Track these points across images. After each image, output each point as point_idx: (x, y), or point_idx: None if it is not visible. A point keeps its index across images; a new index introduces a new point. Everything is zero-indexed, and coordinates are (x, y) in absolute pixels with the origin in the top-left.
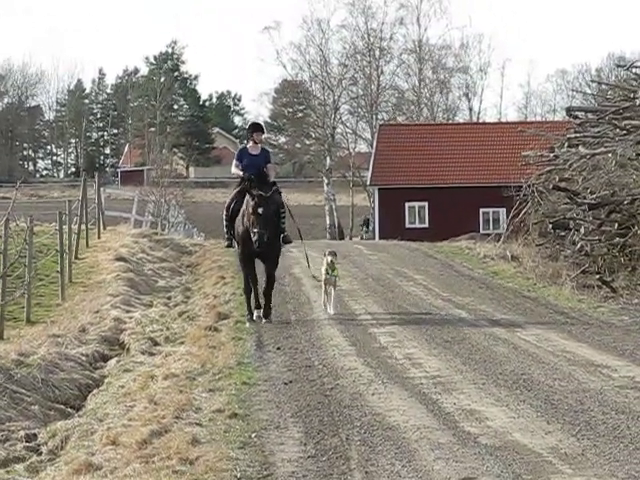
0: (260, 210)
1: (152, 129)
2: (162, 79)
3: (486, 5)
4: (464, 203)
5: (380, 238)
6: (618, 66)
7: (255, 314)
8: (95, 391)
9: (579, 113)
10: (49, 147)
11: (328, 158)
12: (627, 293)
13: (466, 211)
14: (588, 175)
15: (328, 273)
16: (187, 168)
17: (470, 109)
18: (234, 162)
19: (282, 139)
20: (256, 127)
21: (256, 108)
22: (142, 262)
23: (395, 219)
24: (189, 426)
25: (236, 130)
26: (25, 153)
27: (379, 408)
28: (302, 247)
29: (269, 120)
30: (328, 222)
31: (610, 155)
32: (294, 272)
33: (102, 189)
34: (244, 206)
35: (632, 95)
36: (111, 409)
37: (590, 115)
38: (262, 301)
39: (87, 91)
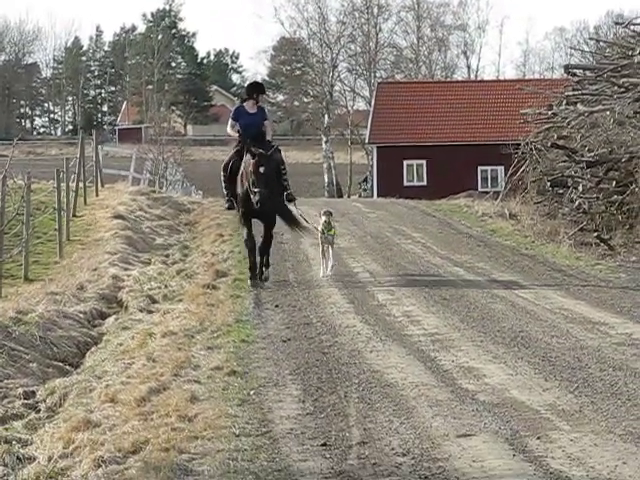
0: (262, 169)
1: (150, 87)
2: (160, 36)
3: None
4: (462, 161)
5: (378, 196)
6: (616, 23)
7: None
8: (93, 349)
9: (577, 71)
10: (46, 105)
11: (326, 116)
12: (624, 251)
13: (464, 169)
14: (586, 133)
15: (324, 233)
16: (185, 126)
17: (468, 67)
18: (230, 122)
19: (280, 97)
20: (258, 88)
21: (254, 66)
22: (140, 220)
23: (393, 177)
24: (187, 383)
25: (234, 88)
26: (22, 111)
27: (377, 365)
28: (300, 205)
29: (267, 78)
30: (326, 180)
31: (608, 113)
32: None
33: (100, 147)
34: (243, 165)
35: (630, 53)
36: (109, 367)
37: (588, 73)
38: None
39: (84, 48)
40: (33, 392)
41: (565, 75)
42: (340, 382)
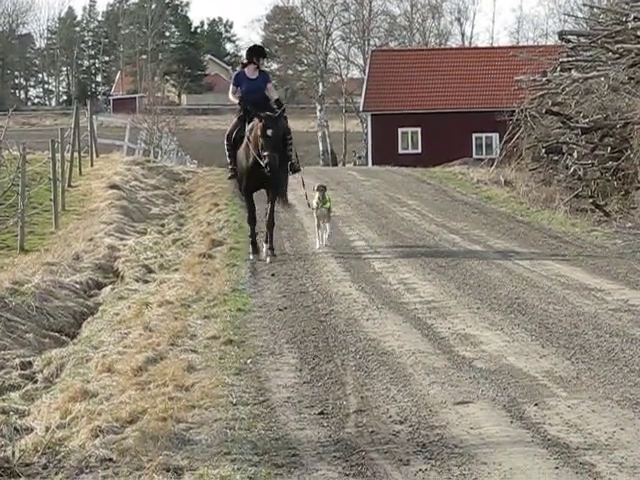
0: (269, 132)
1: (144, 56)
2: (153, 6)
3: None
4: (457, 128)
5: (373, 164)
6: None
7: (264, 251)
8: (90, 319)
9: (571, 37)
10: (40, 75)
11: (320, 84)
12: (620, 217)
13: (459, 136)
14: (581, 99)
15: (318, 207)
16: (179, 95)
17: (462, 34)
18: (231, 87)
19: (274, 66)
20: (259, 51)
21: (248, 35)
22: (135, 190)
23: (388, 145)
24: (184, 353)
25: (228, 57)
26: (16, 81)
27: (374, 333)
28: (296, 175)
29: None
30: (321, 149)
31: (603, 79)
32: (288, 199)
33: (94, 117)
34: (248, 132)
35: (624, 19)
36: (106, 337)
37: (582, 39)
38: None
39: (78, 19)
40: (30, 363)
41: (559, 41)
42: (337, 350)
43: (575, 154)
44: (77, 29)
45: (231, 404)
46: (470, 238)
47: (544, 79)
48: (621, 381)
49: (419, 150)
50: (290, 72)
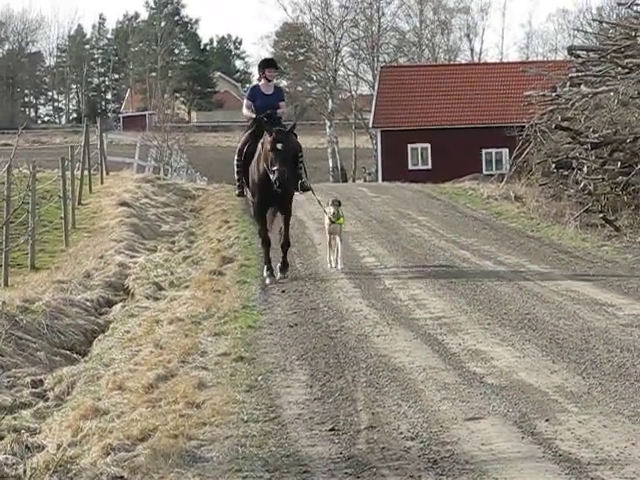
0: (279, 146)
1: (153, 74)
2: (162, 23)
3: None
4: (467, 144)
5: (383, 180)
6: (619, 4)
7: (269, 272)
8: (100, 336)
9: (581, 52)
10: (50, 93)
11: (330, 101)
12: (630, 232)
13: (469, 152)
14: (590, 114)
15: (332, 222)
16: (189, 112)
17: (471, 50)
18: (245, 102)
19: (284, 82)
20: (268, 63)
21: (257, 51)
22: (145, 207)
23: (398, 161)
24: (195, 370)
25: (237, 74)
26: (26, 100)
27: (385, 349)
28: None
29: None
30: (331, 165)
31: (612, 94)
32: (298, 215)
33: (104, 134)
34: (259, 147)
35: (633, 33)
36: (117, 354)
37: (592, 54)
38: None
39: (88, 36)
40: (41, 381)
41: (568, 57)
42: (348, 367)
43: (585, 169)
44: (87, 47)
45: (242, 421)
46: (480, 254)
47: (554, 94)
48: (632, 396)
49: (429, 166)
50: (300, 89)
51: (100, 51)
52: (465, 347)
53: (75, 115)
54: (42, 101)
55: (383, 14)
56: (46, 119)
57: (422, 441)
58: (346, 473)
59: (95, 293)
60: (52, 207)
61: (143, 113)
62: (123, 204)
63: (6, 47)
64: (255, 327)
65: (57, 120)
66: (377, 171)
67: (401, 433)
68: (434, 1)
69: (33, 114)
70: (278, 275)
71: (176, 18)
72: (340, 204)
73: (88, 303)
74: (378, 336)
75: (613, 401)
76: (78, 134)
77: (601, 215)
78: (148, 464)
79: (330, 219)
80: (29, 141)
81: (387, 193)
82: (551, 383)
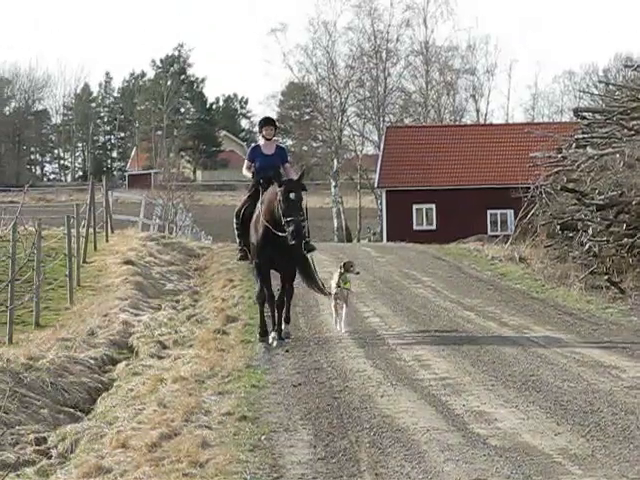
0: (292, 195)
1: (159, 132)
2: (169, 82)
3: (492, 6)
4: (472, 205)
5: (388, 240)
6: (625, 66)
7: (272, 336)
8: (104, 394)
9: (586, 114)
10: (56, 151)
11: (335, 160)
12: (635, 294)
13: (474, 213)
14: (596, 176)
15: (339, 286)
16: (194, 171)
17: (477, 110)
18: (245, 162)
19: (289, 142)
20: (266, 121)
21: (263, 111)
22: (150, 265)
23: (403, 221)
24: (199, 429)
25: (243, 133)
26: (32, 157)
27: (388, 410)
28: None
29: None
30: (336, 225)
31: (618, 155)
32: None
33: (110, 192)
34: (258, 207)
35: (639, 95)
36: (120, 412)
37: (598, 116)
38: (276, 317)
39: (94, 95)
40: (44, 438)
41: (574, 118)
42: (351, 427)
43: (590, 231)
44: (93, 105)
45: None
46: (485, 315)
47: (559, 156)
48: (637, 459)
49: (434, 226)
50: (305, 148)
51: (106, 109)
52: (469, 408)
53: (81, 173)
54: (48, 159)
55: (389, 74)
56: (52, 177)
57: None
58: None
59: (99, 351)
60: (57, 265)
61: (148, 171)
62: (128, 262)
63: (13, 105)
64: (259, 386)
65: (63, 178)
66: (382, 231)
67: None
68: (440, 62)
69: (39, 172)
70: (274, 341)
71: (182, 77)
72: (352, 266)
73: (92, 361)
74: (382, 396)
75: (617, 464)
76: (84, 192)
77: (606, 277)
78: None
79: (338, 283)
80: (35, 199)
81: (392, 253)
82: (555, 445)
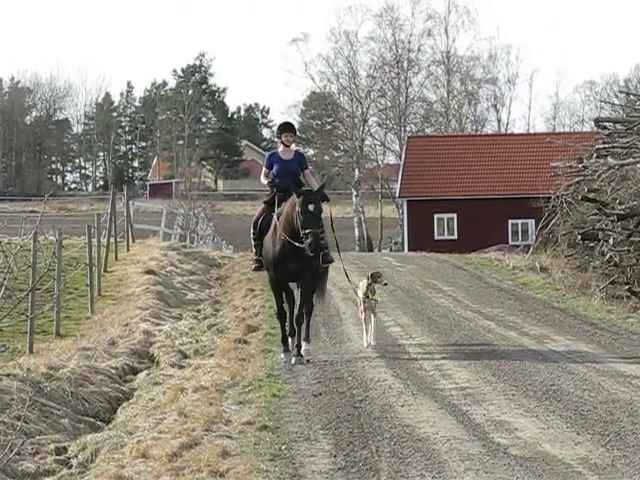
0: (311, 207)
1: (180, 142)
2: (190, 92)
3: (514, 16)
4: (493, 214)
5: (409, 250)
6: None
7: (292, 353)
8: (125, 404)
9: (607, 124)
10: (77, 160)
11: (357, 170)
12: None
13: (495, 222)
14: (617, 186)
15: (368, 297)
16: (215, 181)
17: (498, 120)
18: (263, 170)
19: (311, 151)
20: (285, 127)
21: (284, 120)
22: (171, 275)
23: (424, 231)
24: (219, 438)
25: (264, 142)
26: (53, 167)
27: (409, 420)
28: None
29: (298, 133)
30: (357, 234)
31: (639, 165)
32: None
33: (131, 202)
34: (275, 218)
35: None
36: (141, 422)
37: (619, 126)
38: (294, 335)
39: (115, 104)
40: (65, 448)
41: (595, 128)
42: (372, 436)
43: (611, 240)
44: (114, 114)
45: None
46: (505, 324)
47: (580, 166)
48: None
49: (455, 236)
50: (326, 158)
51: (127, 119)
52: (489, 418)
53: (102, 182)
54: (69, 168)
55: (410, 84)
56: (73, 186)
57: None
58: None
59: (120, 361)
60: (78, 274)
61: (170, 181)
62: (149, 272)
63: (34, 114)
64: (279, 396)
65: (84, 187)
66: (403, 241)
67: None
68: (461, 72)
69: (60, 181)
70: (292, 358)
71: (204, 86)
72: (380, 277)
73: (113, 370)
74: (402, 406)
75: (637, 473)
76: (105, 201)
77: (627, 287)
78: None
79: (366, 294)
80: (55, 208)
81: (413, 263)
82: (575, 455)
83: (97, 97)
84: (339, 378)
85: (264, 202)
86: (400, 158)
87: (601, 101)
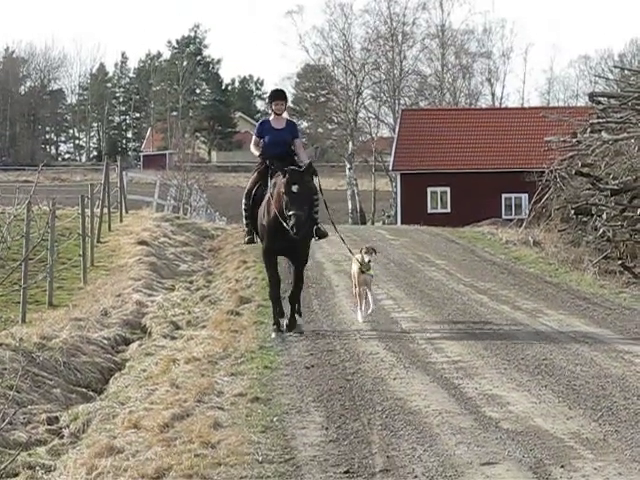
0: (295, 188)
1: (174, 113)
2: (184, 63)
3: None
4: (486, 188)
5: (402, 223)
6: None
7: (283, 322)
8: (117, 374)
9: (602, 99)
10: (71, 131)
11: (350, 143)
12: None
13: (488, 196)
14: (611, 161)
15: (363, 272)
16: (209, 152)
17: (492, 94)
18: (253, 138)
19: (304, 124)
20: (276, 95)
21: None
22: (164, 246)
23: (417, 204)
24: (211, 410)
25: (258, 114)
26: (47, 137)
27: (401, 393)
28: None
29: (291, 105)
30: (350, 207)
31: (633, 140)
32: (316, 257)
33: (124, 173)
34: (269, 190)
35: None
36: (133, 392)
37: (613, 101)
38: (287, 309)
39: (109, 75)
40: (57, 418)
41: (589, 103)
42: (363, 409)
43: (604, 215)
44: (108, 85)
45: (257, 462)
46: (498, 298)
47: (574, 140)
48: None
49: (448, 210)
50: (320, 130)
51: (122, 89)
52: (481, 392)
53: (95, 153)
54: (63, 138)
55: (405, 57)
56: (66, 156)
57: None
58: None
59: (112, 331)
60: (71, 245)
61: (163, 152)
62: (142, 243)
63: (28, 84)
64: (271, 368)
65: (77, 158)
66: (396, 214)
67: (416, 477)
68: (456, 45)
69: (54, 151)
70: (285, 330)
71: (198, 58)
72: (375, 252)
73: (105, 341)
74: (394, 379)
75: (629, 448)
76: (98, 172)
77: (620, 262)
78: None
79: (361, 269)
80: (49, 178)
81: (406, 236)
82: (567, 429)
83: (91, 68)
84: (331, 350)
85: (256, 171)
86: (394, 131)
87: (595, 76)
